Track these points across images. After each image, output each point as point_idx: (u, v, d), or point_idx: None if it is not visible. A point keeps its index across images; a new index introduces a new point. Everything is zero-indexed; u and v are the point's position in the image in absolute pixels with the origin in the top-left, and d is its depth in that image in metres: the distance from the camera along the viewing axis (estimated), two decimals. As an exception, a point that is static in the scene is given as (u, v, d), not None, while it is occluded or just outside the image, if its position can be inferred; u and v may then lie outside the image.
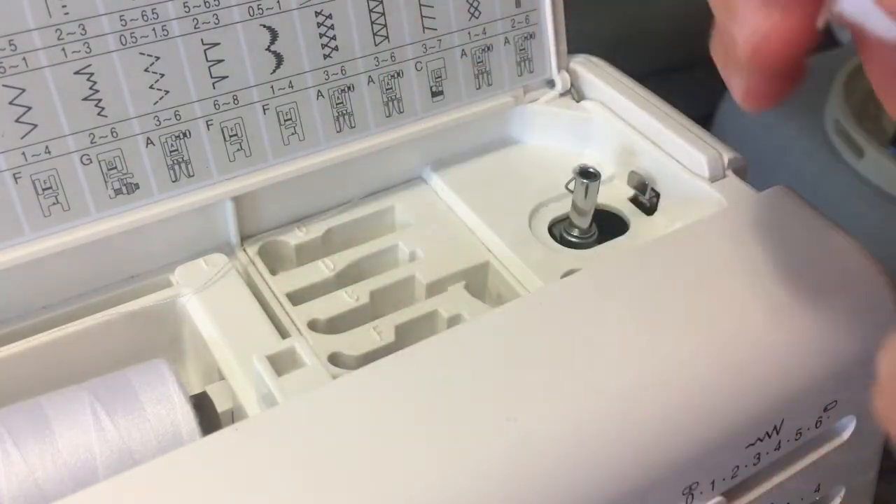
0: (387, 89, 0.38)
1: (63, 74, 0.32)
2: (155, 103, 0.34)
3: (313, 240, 0.38)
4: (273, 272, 0.37)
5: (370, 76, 0.38)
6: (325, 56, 0.36)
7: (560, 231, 0.39)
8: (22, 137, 0.32)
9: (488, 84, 0.40)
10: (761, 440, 0.31)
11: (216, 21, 0.34)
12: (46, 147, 0.32)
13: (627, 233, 0.38)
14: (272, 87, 0.36)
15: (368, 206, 0.39)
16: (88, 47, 0.32)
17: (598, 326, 0.30)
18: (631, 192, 0.40)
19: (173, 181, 0.35)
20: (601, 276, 0.32)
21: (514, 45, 0.41)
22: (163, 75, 0.33)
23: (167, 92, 0.34)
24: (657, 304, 0.31)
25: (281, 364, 0.31)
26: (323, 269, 0.37)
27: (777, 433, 0.31)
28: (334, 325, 0.35)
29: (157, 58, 0.33)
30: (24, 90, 0.31)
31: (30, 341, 0.33)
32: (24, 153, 0.32)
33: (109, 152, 0.33)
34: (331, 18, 0.36)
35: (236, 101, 0.35)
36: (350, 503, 0.25)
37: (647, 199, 0.39)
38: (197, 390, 0.32)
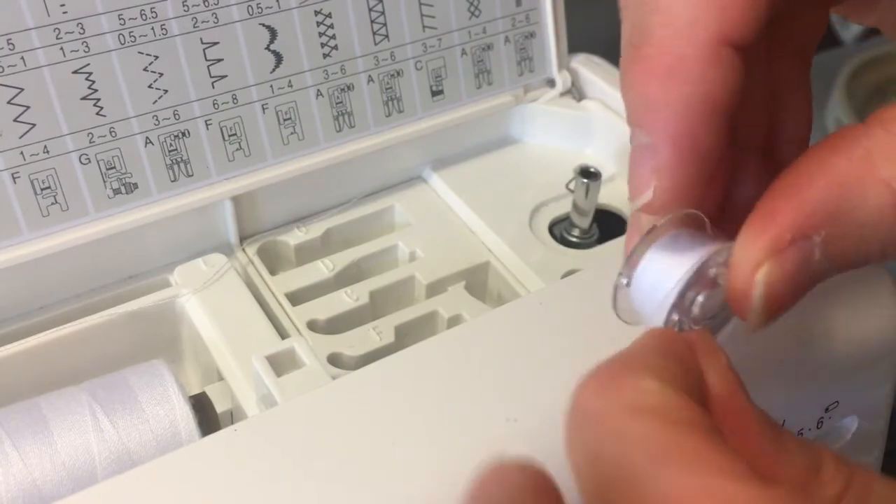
0: (387, 88, 0.38)
1: (61, 74, 0.32)
2: (154, 102, 0.34)
3: (313, 240, 0.38)
4: (272, 272, 0.37)
5: (370, 75, 0.37)
6: (325, 55, 0.36)
7: (560, 231, 0.38)
8: (20, 137, 0.32)
9: (489, 83, 0.40)
10: (763, 441, 0.30)
11: (215, 20, 0.34)
12: (45, 147, 0.32)
13: (628, 232, 0.38)
14: (271, 86, 0.36)
15: (368, 206, 0.39)
16: (87, 46, 0.32)
17: (598, 326, 0.30)
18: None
19: (172, 181, 0.35)
20: (602, 277, 0.32)
21: (514, 44, 0.40)
22: (161, 74, 0.33)
23: (166, 91, 0.34)
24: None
25: (280, 364, 0.30)
26: (322, 269, 0.37)
27: (778, 433, 0.31)
28: (334, 326, 0.35)
29: (156, 57, 0.33)
30: (22, 89, 0.31)
31: (28, 341, 0.32)
32: (22, 153, 0.32)
33: (108, 152, 0.33)
34: (330, 17, 0.36)
35: (235, 101, 0.35)
36: (349, 504, 0.25)
37: (647, 198, 0.39)
38: (196, 391, 0.32)
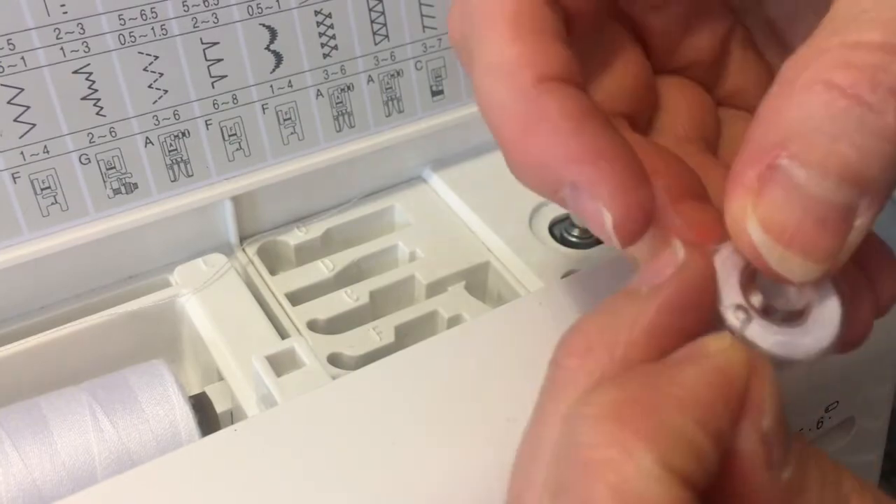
0: (387, 88, 0.38)
1: (62, 74, 0.32)
2: (154, 102, 0.34)
3: (313, 240, 0.38)
4: (272, 272, 0.37)
5: (370, 75, 0.37)
6: (325, 55, 0.36)
7: (560, 231, 0.38)
8: (20, 137, 0.32)
9: (488, 83, 0.40)
10: (762, 441, 0.30)
11: (215, 20, 0.34)
12: (45, 147, 0.32)
13: (628, 232, 0.38)
14: (271, 86, 0.36)
15: (368, 206, 0.39)
16: (87, 46, 0.32)
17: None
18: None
19: (172, 181, 0.35)
20: (601, 277, 0.32)
21: (514, 44, 0.40)
22: (162, 74, 0.33)
23: (166, 91, 0.34)
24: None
25: (280, 364, 0.30)
26: (323, 269, 0.37)
27: (778, 433, 0.31)
28: (334, 326, 0.35)
29: (156, 57, 0.33)
30: (22, 89, 0.31)
31: (28, 341, 0.33)
32: (22, 153, 0.32)
33: (108, 152, 0.33)
34: (330, 17, 0.36)
35: (235, 101, 0.35)
36: (349, 504, 0.25)
37: (647, 198, 0.39)
38: (196, 391, 0.32)
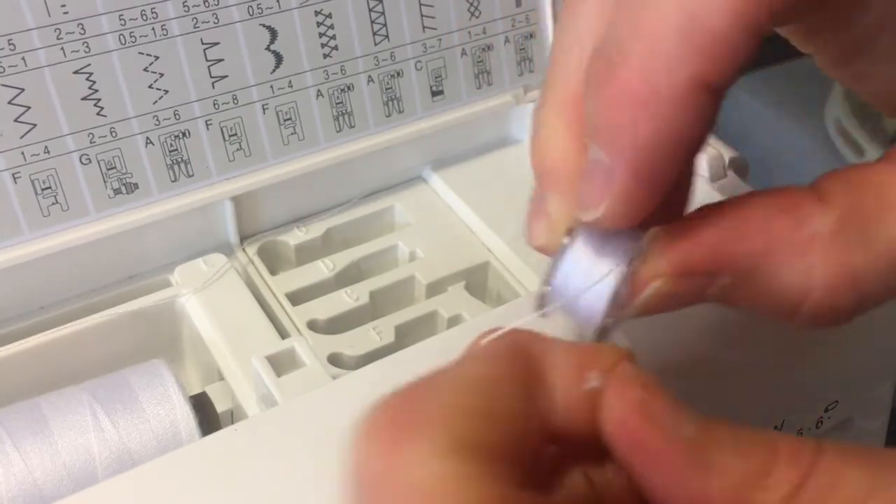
0: (387, 89, 0.38)
1: (62, 74, 0.32)
2: (154, 103, 0.34)
3: (313, 240, 0.38)
4: (273, 272, 0.37)
5: (370, 76, 0.37)
6: (325, 55, 0.36)
7: (560, 231, 0.38)
8: (21, 137, 0.32)
9: (488, 83, 0.40)
10: (762, 440, 0.30)
11: (215, 20, 0.34)
12: (45, 147, 0.32)
13: (628, 233, 0.38)
14: (272, 86, 0.36)
15: (368, 206, 0.39)
16: (87, 47, 0.32)
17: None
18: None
19: (172, 181, 0.35)
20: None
21: (514, 44, 0.40)
22: (162, 75, 0.33)
23: (166, 91, 0.34)
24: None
25: (280, 364, 0.30)
26: (323, 269, 0.37)
27: (778, 433, 0.31)
28: (334, 326, 0.35)
29: (157, 57, 0.33)
30: (23, 90, 0.31)
31: (28, 341, 0.33)
32: (23, 153, 0.32)
33: (109, 152, 0.33)
34: (330, 18, 0.36)
35: (236, 101, 0.35)
36: (350, 504, 0.25)
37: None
38: (196, 390, 0.32)
